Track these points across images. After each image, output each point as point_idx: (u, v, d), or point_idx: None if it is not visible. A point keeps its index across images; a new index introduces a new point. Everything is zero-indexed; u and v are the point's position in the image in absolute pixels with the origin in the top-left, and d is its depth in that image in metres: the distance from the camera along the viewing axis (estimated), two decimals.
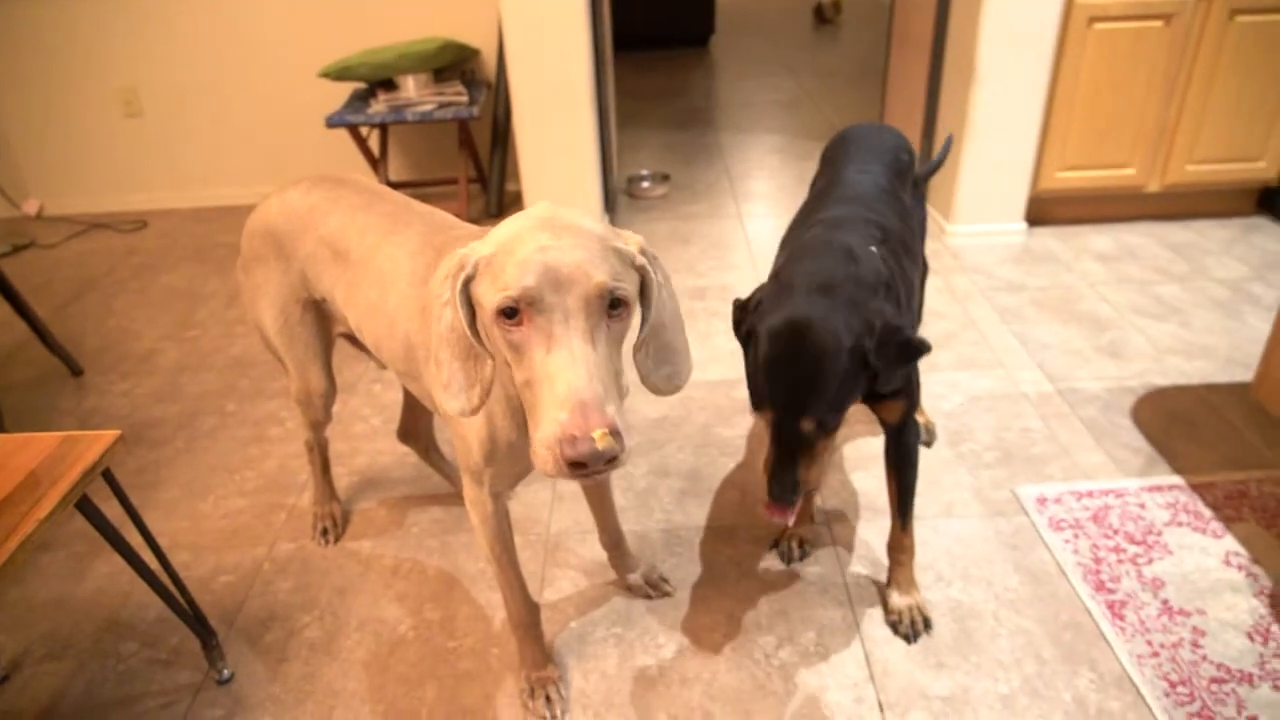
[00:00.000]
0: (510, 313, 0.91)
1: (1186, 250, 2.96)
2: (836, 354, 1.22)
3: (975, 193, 3.06)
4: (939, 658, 1.51)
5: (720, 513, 1.88)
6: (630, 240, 1.01)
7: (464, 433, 1.23)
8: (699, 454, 2.06)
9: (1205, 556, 1.68)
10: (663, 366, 1.08)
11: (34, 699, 1.51)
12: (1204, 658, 1.47)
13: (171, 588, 1.40)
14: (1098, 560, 1.68)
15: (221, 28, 3.52)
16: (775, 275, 1.37)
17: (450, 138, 3.70)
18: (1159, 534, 1.74)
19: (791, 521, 1.36)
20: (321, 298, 1.51)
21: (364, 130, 3.56)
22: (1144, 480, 1.89)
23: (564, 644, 1.58)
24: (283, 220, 1.48)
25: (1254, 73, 2.84)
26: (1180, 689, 1.42)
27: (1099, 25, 2.76)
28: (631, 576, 1.67)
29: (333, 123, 3.14)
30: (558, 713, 1.43)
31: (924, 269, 1.84)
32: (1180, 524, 1.76)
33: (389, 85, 3.30)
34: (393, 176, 3.77)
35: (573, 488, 1.94)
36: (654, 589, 1.67)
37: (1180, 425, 2.07)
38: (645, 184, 3.70)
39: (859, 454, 2.04)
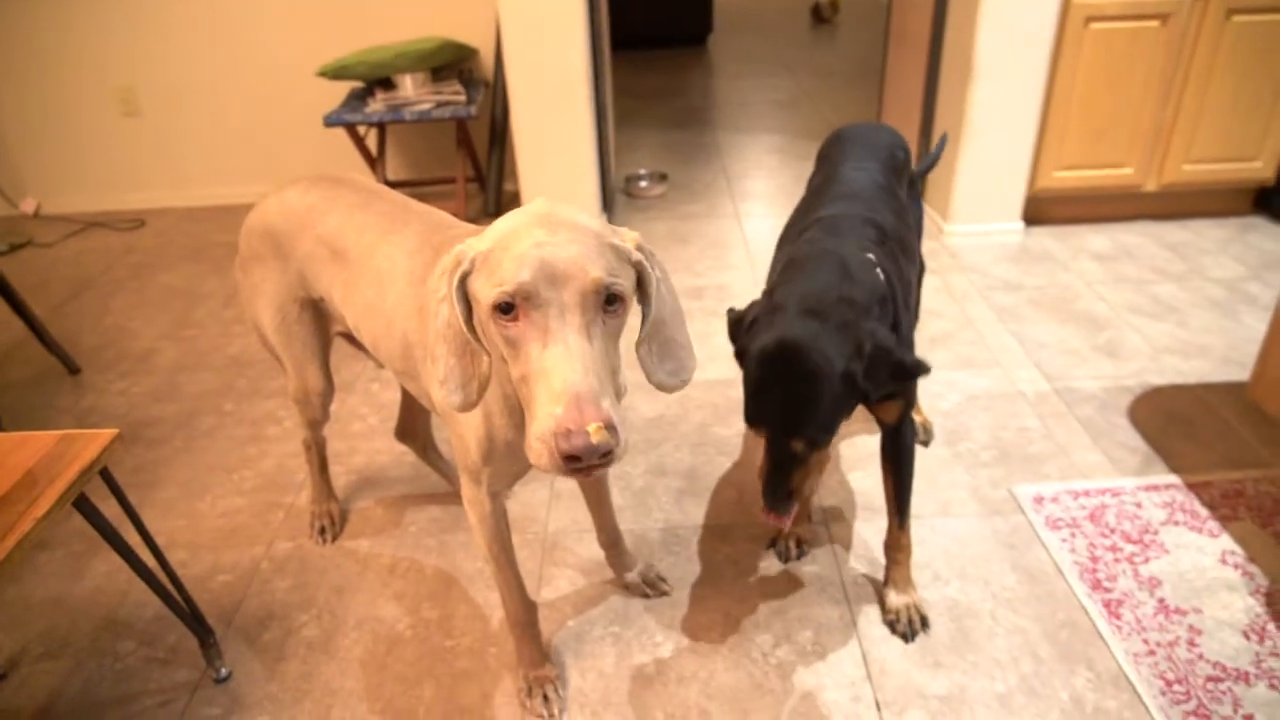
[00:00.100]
0: (506, 308, 0.91)
1: (1183, 250, 2.97)
2: (827, 379, 1.22)
3: (972, 192, 3.07)
4: (936, 656, 1.51)
5: (718, 512, 1.88)
6: (627, 236, 1.01)
7: (462, 431, 1.23)
8: (696, 453, 2.06)
9: (1201, 555, 1.68)
10: (666, 362, 1.08)
11: (31, 697, 1.51)
12: (1200, 656, 1.47)
13: (169, 586, 1.40)
14: (1094, 559, 1.68)
15: (219, 27, 3.52)
16: (769, 292, 1.38)
17: (448, 137, 3.70)
18: (1155, 533, 1.74)
19: (788, 524, 1.37)
20: (319, 297, 1.51)
21: (362, 129, 3.56)
22: (1141, 479, 1.89)
23: (562, 643, 1.58)
24: (281, 219, 1.48)
25: (1250, 72, 2.85)
26: (1176, 687, 1.42)
27: (1096, 25, 2.77)
28: (629, 575, 1.67)
29: (330, 122, 3.14)
30: (555, 711, 1.43)
31: (921, 267, 1.85)
32: (1177, 523, 1.76)
33: (387, 84, 3.30)
34: (390, 176, 3.77)
35: (570, 487, 1.94)
36: (651, 588, 1.67)
37: (1177, 424, 2.07)
38: (643, 183, 3.70)
39: (856, 453, 2.04)
